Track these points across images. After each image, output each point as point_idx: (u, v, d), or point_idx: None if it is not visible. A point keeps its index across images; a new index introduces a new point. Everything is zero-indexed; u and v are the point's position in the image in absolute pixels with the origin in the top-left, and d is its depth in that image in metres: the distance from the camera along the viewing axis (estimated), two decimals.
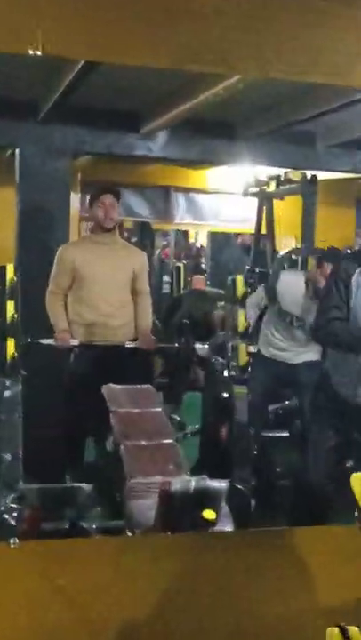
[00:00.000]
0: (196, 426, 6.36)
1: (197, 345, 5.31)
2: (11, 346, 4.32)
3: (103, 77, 5.67)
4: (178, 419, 5.94)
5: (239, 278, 4.80)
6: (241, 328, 4.71)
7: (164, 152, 7.16)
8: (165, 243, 13.05)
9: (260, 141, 7.50)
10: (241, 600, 2.80)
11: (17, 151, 6.93)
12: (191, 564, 2.87)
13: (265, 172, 8.08)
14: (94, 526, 4.56)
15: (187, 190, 10.48)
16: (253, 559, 2.97)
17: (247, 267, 8.53)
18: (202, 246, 13.29)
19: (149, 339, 5.36)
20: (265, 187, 7.82)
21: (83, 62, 5.01)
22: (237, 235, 11.02)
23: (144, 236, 10.54)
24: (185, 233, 12.48)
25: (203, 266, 12.05)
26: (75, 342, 5.25)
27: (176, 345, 5.40)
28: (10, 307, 4.42)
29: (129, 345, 5.30)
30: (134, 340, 5.41)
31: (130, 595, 2.72)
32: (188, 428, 6.28)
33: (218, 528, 3.42)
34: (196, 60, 2.82)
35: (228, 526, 3.57)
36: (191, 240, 14.34)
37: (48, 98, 6.34)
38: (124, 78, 5.96)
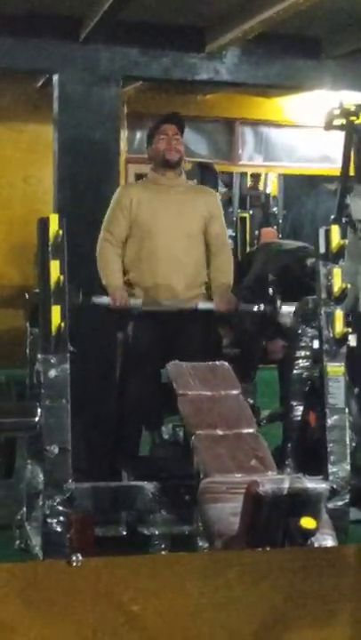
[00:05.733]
0: (272, 410, 6.24)
1: (284, 308, 5.10)
2: (56, 315, 4.21)
3: None
4: (250, 401, 5.81)
5: (335, 228, 4.61)
6: (337, 290, 4.52)
7: (234, 75, 7.03)
8: (227, 189, 12.88)
9: (349, 61, 7.30)
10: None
11: (55, 78, 6.82)
12: (291, 586, 2.75)
13: (354, 99, 7.88)
14: (157, 532, 4.50)
15: (255, 123, 10.29)
16: None
17: (332, 217, 8.37)
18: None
19: (229, 297, 5.21)
20: (354, 117, 7.62)
21: None
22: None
23: (205, 179, 10.38)
24: (256, 176, 12.25)
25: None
26: (136, 302, 5.10)
27: (261, 306, 5.18)
28: (54, 267, 4.29)
29: (202, 306, 5.15)
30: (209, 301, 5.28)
31: (218, 624, 2.61)
32: (264, 413, 6.16)
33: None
34: None
35: (329, 538, 3.45)
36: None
37: (92, 12, 6.22)
38: None
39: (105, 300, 5.06)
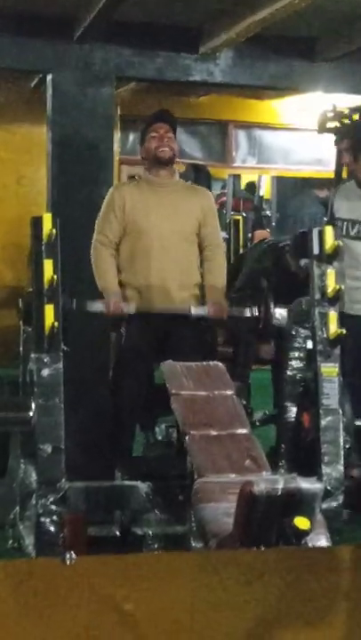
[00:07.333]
0: (266, 412, 6.23)
1: (277, 310, 5.09)
2: (50, 314, 4.19)
3: None
4: (243, 402, 5.80)
5: (328, 229, 4.60)
6: (330, 291, 4.51)
7: (228, 77, 7.00)
8: (221, 191, 12.83)
9: (343, 64, 7.30)
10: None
11: (48, 78, 6.81)
12: (285, 586, 2.74)
13: (347, 101, 7.88)
14: (150, 532, 4.48)
15: (249, 126, 10.30)
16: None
17: (324, 219, 8.38)
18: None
19: (220, 305, 5.18)
20: (347, 120, 7.62)
21: None
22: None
23: (199, 180, 10.35)
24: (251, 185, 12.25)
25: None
26: (130, 309, 5.08)
27: (255, 312, 5.17)
28: (48, 266, 4.27)
29: (195, 312, 5.12)
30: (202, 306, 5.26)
31: (212, 624, 2.60)
32: (257, 415, 6.14)
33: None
34: None
35: (323, 538, 3.44)
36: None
37: (86, 11, 6.20)
38: None
39: (99, 306, 5.03)
